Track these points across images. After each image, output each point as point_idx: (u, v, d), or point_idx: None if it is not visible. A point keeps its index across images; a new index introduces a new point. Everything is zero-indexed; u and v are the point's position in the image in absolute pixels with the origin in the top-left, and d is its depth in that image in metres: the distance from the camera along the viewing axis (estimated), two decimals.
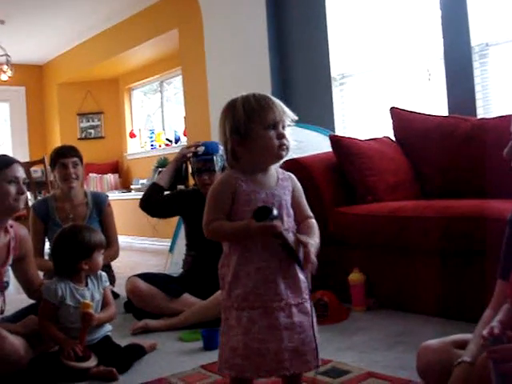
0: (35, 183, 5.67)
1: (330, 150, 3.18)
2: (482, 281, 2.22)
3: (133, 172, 7.69)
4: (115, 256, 3.46)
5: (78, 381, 2.01)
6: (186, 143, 6.02)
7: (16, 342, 2.04)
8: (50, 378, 2.01)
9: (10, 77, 7.22)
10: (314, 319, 1.46)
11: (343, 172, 3.12)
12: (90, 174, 7.60)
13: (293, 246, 1.42)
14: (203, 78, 5.17)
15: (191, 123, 5.87)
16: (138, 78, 7.67)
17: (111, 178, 7.71)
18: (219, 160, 2.87)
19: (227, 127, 1.47)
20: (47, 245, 3.30)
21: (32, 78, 8.50)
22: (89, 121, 8.17)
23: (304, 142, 3.22)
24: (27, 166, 5.11)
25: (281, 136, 1.46)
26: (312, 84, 4.43)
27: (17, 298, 2.75)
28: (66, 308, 2.12)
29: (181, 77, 6.21)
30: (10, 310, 2.38)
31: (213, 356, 1.96)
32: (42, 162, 5.64)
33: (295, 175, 1.57)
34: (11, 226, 2.29)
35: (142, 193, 3.10)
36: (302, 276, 1.46)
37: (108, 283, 2.29)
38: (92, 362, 2.07)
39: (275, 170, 1.53)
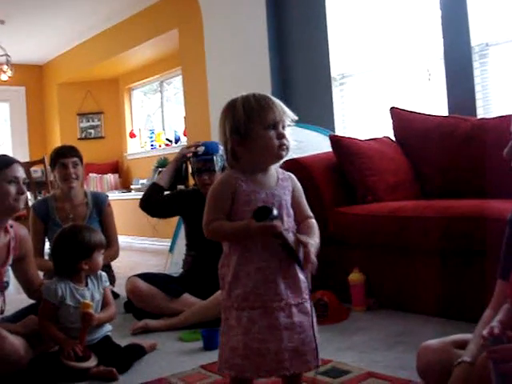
0: (35, 183, 5.67)
1: (330, 150, 3.18)
2: (482, 281, 2.22)
3: (133, 172, 7.69)
4: (115, 256, 3.46)
5: (78, 381, 2.01)
6: (186, 143, 6.02)
7: (16, 341, 2.04)
8: (50, 378, 2.01)
9: (10, 77, 7.22)
10: (314, 319, 1.46)
11: (343, 172, 3.12)
12: (90, 174, 7.60)
13: (293, 246, 1.42)
14: (203, 78, 5.17)
15: (191, 123, 5.87)
16: (138, 77, 7.67)
17: (111, 178, 7.71)
18: (219, 160, 2.87)
19: (227, 127, 1.47)
20: (47, 245, 3.30)
21: (32, 77, 8.50)
22: (89, 121, 8.17)
23: (304, 142, 3.22)
24: (27, 165, 5.11)
25: (281, 136, 1.46)
26: (312, 84, 4.43)
27: (17, 298, 2.75)
28: (65, 308, 2.12)
29: (181, 77, 6.21)
30: (10, 310, 2.38)
31: (213, 356, 1.96)
32: (41, 161, 5.64)
33: (295, 175, 1.57)
34: (11, 226, 2.29)
35: (142, 193, 3.10)
36: (301, 276, 1.46)
37: (108, 283, 2.29)
38: (92, 362, 2.07)
39: (275, 170, 1.53)
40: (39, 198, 5.08)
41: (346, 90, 4.34)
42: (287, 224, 1.46)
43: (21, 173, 2.26)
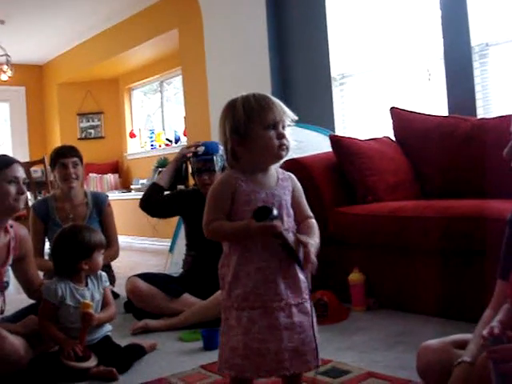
0: (35, 183, 5.67)
1: (330, 149, 3.18)
2: (481, 281, 2.22)
3: (133, 172, 7.69)
4: (115, 256, 3.46)
5: (77, 381, 2.02)
6: (186, 143, 6.02)
7: (16, 341, 2.04)
8: (50, 378, 2.01)
9: (10, 77, 7.22)
10: (314, 319, 1.46)
11: (343, 172, 3.12)
12: (90, 174, 7.60)
13: (293, 246, 1.42)
14: (203, 77, 5.17)
15: (191, 123, 5.87)
16: (138, 77, 7.67)
17: (111, 178, 7.71)
18: (219, 160, 2.87)
19: (227, 127, 1.47)
20: (47, 245, 3.30)
21: (32, 77, 8.50)
22: (89, 121, 8.17)
23: (304, 142, 3.22)
24: (27, 165, 5.11)
25: (281, 136, 1.46)
26: (312, 84, 4.43)
27: (17, 298, 2.75)
28: (65, 308, 2.12)
29: (181, 77, 6.21)
30: (10, 310, 2.38)
31: (213, 356, 1.96)
32: (41, 161, 5.64)
33: (295, 175, 1.57)
34: (11, 226, 2.29)
35: (142, 193, 3.10)
36: (302, 276, 1.46)
37: (108, 283, 2.29)
38: (92, 362, 2.07)
39: (275, 170, 1.53)
40: (39, 198, 5.08)
41: (346, 90, 4.34)
42: (287, 224, 1.46)
43: (21, 173, 2.26)
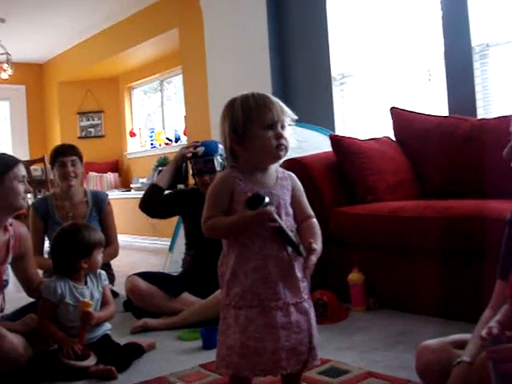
0: (35, 182, 5.67)
1: (330, 149, 3.18)
2: (481, 281, 2.22)
3: (133, 171, 7.69)
4: (115, 255, 3.46)
5: (77, 379, 2.01)
6: (186, 142, 6.02)
7: (15, 340, 2.04)
8: (49, 377, 2.01)
9: (10, 75, 7.22)
10: (314, 319, 1.46)
11: (343, 172, 3.11)
12: (90, 173, 7.60)
13: (288, 232, 1.42)
14: (203, 77, 5.17)
15: (191, 122, 5.87)
16: (138, 76, 7.67)
17: (111, 176, 7.70)
18: (219, 159, 2.87)
19: (226, 126, 1.47)
20: (47, 243, 3.30)
21: (32, 76, 8.50)
22: (89, 119, 8.17)
23: (304, 141, 3.23)
24: (27, 164, 5.12)
25: (279, 136, 1.45)
26: (312, 84, 4.43)
27: (16, 297, 2.75)
28: (65, 306, 2.12)
29: (181, 76, 6.21)
30: (9, 308, 2.38)
31: (212, 355, 1.94)
32: (41, 160, 5.65)
33: (295, 175, 1.57)
34: (11, 225, 2.29)
35: (142, 192, 3.10)
36: (300, 275, 1.45)
37: (107, 282, 2.29)
38: (91, 361, 2.07)
39: (275, 169, 1.53)
40: (39, 196, 5.08)
41: (346, 90, 4.34)
42: (286, 223, 1.46)
43: (25, 172, 2.28)
